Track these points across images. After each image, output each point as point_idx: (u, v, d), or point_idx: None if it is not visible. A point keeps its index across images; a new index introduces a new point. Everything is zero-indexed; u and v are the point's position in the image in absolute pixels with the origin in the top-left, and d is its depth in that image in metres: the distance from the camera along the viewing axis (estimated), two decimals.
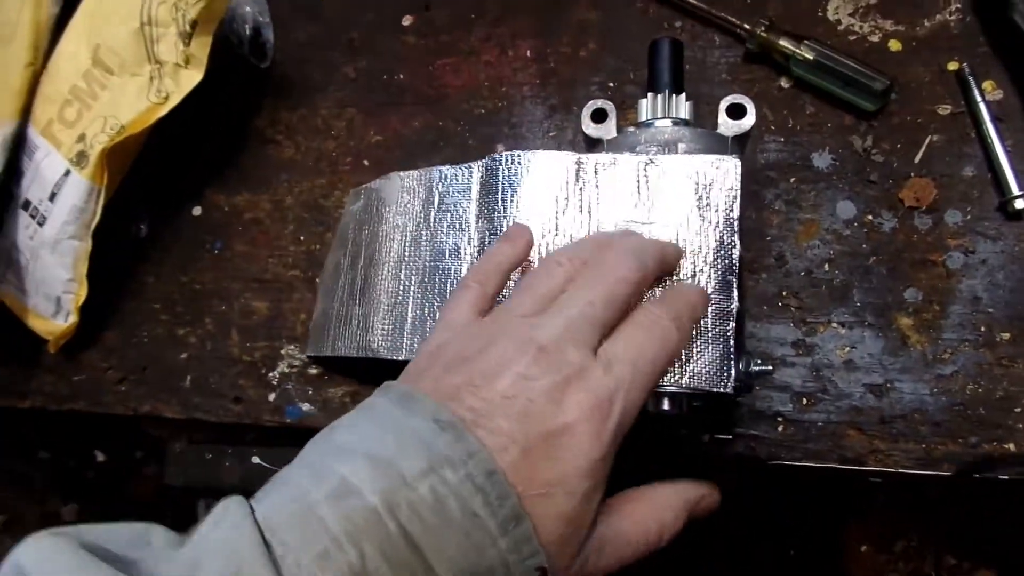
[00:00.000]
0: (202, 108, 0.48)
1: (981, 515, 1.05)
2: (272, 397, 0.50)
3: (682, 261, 0.36)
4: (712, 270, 0.37)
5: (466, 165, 0.43)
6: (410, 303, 0.44)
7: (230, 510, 0.25)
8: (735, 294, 0.36)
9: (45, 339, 0.52)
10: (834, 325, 0.43)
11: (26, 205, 0.49)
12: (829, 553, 1.12)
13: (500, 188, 0.41)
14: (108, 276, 0.53)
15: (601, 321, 0.30)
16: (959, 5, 0.45)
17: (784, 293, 0.44)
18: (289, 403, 0.50)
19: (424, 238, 0.44)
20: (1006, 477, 0.39)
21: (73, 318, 0.51)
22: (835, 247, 0.44)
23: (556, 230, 0.39)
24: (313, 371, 0.50)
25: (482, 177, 0.42)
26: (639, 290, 0.32)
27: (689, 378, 0.36)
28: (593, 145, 0.42)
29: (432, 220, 0.44)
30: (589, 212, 0.39)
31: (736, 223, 0.37)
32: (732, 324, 0.36)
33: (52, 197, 0.48)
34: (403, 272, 0.44)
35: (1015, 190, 0.41)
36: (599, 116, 0.42)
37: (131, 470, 1.35)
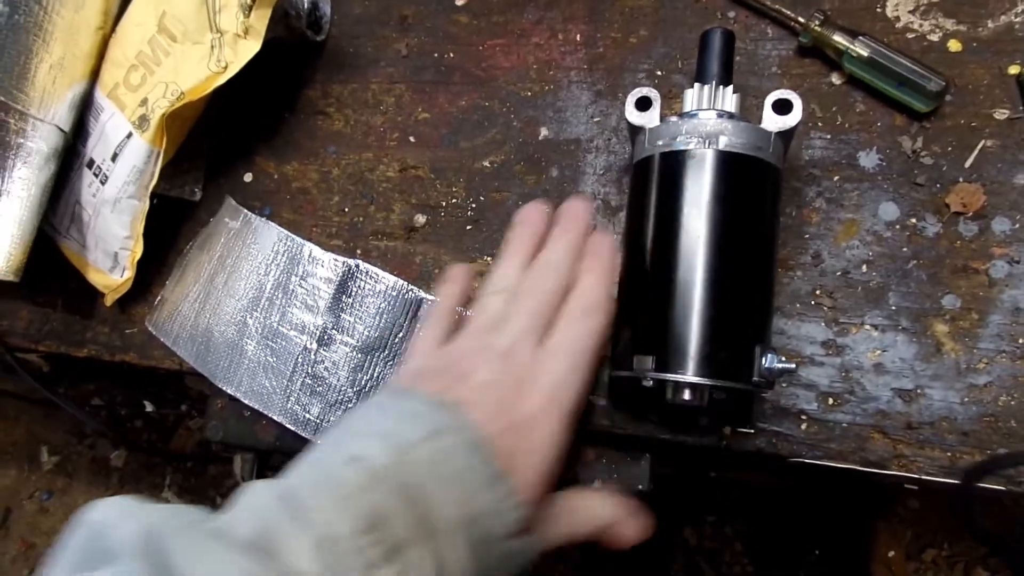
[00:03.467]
0: (257, 77, 0.50)
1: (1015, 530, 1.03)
2: None
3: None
4: None
5: (334, 257, 0.49)
6: (251, 348, 0.50)
7: (254, 489, 0.30)
8: None
9: (102, 292, 0.55)
10: (867, 327, 0.43)
11: (90, 164, 0.51)
12: (855, 555, 1.11)
13: (351, 293, 0.48)
14: (163, 236, 0.55)
15: (540, 325, 0.37)
16: None
17: (818, 292, 0.44)
18: None
19: (279, 301, 0.50)
20: (1003, 488, 0.39)
21: (129, 273, 0.53)
22: (874, 248, 0.44)
23: (385, 349, 0.47)
24: None
25: (342, 276, 0.49)
26: (565, 290, 0.39)
27: None
28: (636, 133, 0.43)
29: (291, 289, 0.50)
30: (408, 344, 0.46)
31: None
32: None
33: (114, 157, 0.50)
34: (252, 318, 0.50)
35: None
36: (643, 104, 0.42)
37: (177, 422, 1.41)
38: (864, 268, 0.44)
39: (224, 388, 0.50)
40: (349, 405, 0.47)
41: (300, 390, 0.48)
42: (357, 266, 0.48)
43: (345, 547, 0.26)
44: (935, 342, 0.42)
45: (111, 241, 0.52)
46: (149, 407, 1.40)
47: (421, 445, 0.30)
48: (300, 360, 0.48)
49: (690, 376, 0.37)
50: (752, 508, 1.17)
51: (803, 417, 0.43)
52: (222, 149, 0.57)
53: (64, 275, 0.56)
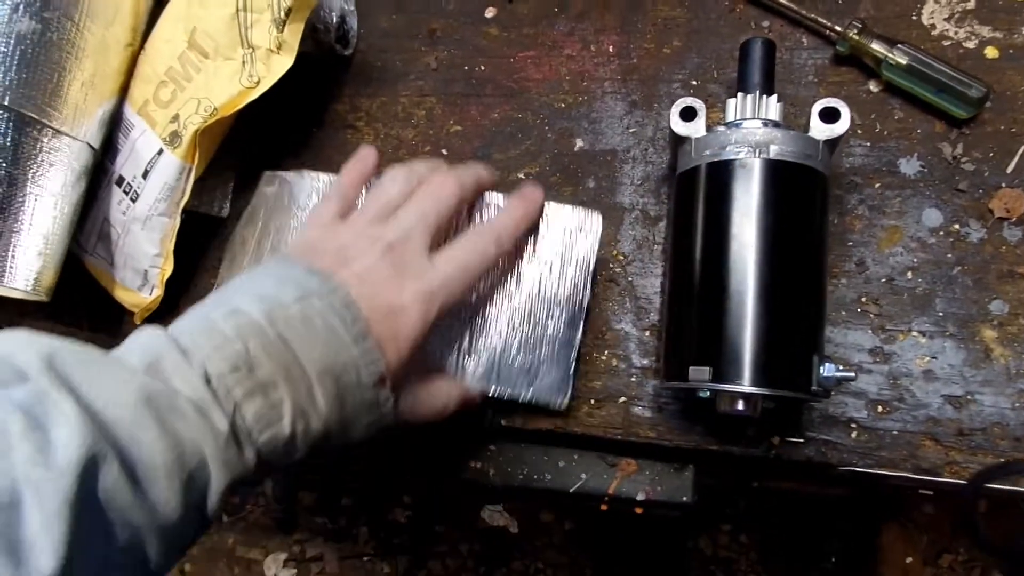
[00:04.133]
0: (285, 92, 0.49)
1: None
2: None
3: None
4: (565, 307, 0.45)
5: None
6: None
7: (144, 330, 0.33)
8: (580, 330, 0.45)
9: (130, 311, 0.54)
10: (914, 334, 0.43)
11: (120, 181, 0.51)
12: (872, 561, 1.11)
13: None
14: (189, 253, 0.55)
15: (432, 227, 0.39)
16: None
17: (864, 299, 0.44)
18: None
19: None
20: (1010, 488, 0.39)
21: (158, 292, 0.52)
22: (919, 255, 0.44)
23: None
24: None
25: None
26: (461, 205, 0.41)
27: (534, 392, 0.45)
28: (679, 143, 0.43)
29: None
30: None
31: (591, 271, 0.45)
32: (574, 353, 0.45)
33: (145, 174, 0.49)
34: None
35: None
36: (688, 114, 0.42)
37: None
38: (909, 275, 0.44)
39: None
40: None
41: None
42: None
43: (216, 383, 0.31)
44: (984, 348, 0.42)
45: (141, 259, 0.52)
46: None
47: (293, 305, 0.34)
48: None
49: (747, 387, 0.37)
50: (767, 517, 1.16)
51: (853, 425, 0.43)
52: (251, 164, 0.56)
53: (90, 294, 0.55)
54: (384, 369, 0.35)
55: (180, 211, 0.50)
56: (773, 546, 1.16)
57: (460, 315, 0.45)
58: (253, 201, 0.54)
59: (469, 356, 0.45)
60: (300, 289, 0.34)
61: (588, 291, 0.45)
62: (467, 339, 0.45)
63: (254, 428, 0.31)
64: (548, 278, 0.45)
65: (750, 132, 0.39)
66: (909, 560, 1.07)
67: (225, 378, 0.31)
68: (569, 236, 0.45)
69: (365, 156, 0.46)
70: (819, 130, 0.40)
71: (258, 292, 0.35)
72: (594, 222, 0.45)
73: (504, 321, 0.45)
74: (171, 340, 0.32)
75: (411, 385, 0.39)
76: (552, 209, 0.45)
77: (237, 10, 0.47)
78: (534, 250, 0.45)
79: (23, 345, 0.29)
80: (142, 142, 0.49)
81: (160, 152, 0.49)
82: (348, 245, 0.38)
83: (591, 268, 0.45)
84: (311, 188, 0.49)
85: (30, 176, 0.45)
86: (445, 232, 0.41)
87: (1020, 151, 0.43)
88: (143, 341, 0.32)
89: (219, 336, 0.32)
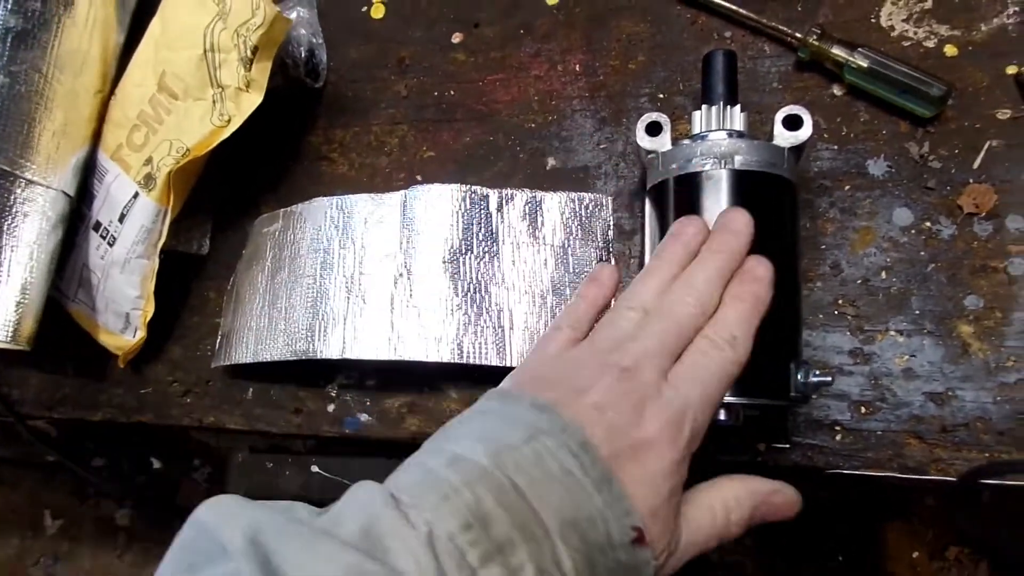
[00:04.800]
0: (258, 127, 0.50)
1: None
2: (331, 408, 0.51)
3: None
4: None
5: (388, 194, 0.50)
6: (339, 306, 0.48)
7: (363, 486, 0.29)
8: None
9: (115, 354, 0.54)
10: (892, 333, 0.43)
11: (97, 226, 0.51)
12: (878, 558, 1.10)
13: (416, 213, 0.48)
14: (171, 292, 0.55)
15: (671, 350, 0.33)
16: (1017, 8, 0.45)
17: (840, 301, 0.44)
18: (347, 414, 0.51)
19: (352, 250, 0.50)
20: (1013, 483, 0.39)
21: (141, 333, 0.53)
22: (892, 255, 0.44)
23: (468, 251, 0.47)
24: (370, 383, 0.51)
25: (402, 203, 0.49)
26: (702, 320, 0.34)
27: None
28: (647, 157, 0.43)
29: (359, 236, 0.50)
30: (492, 239, 0.48)
31: (611, 246, 0.48)
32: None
33: (122, 218, 0.50)
34: (328, 279, 0.49)
35: None
36: (653, 129, 0.42)
37: (181, 475, 1.38)
38: (883, 275, 0.44)
39: (330, 357, 0.47)
40: (460, 311, 0.46)
41: (404, 318, 0.46)
42: (412, 188, 0.49)
43: (445, 547, 0.25)
44: (961, 343, 0.42)
45: (122, 302, 0.52)
46: (157, 464, 1.37)
47: (523, 445, 0.29)
48: (396, 289, 0.47)
49: (727, 396, 0.37)
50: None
51: (837, 428, 0.43)
52: (227, 200, 0.56)
53: (74, 340, 0.55)
54: (639, 521, 0.29)
55: (158, 252, 0.51)
56: (778, 547, 1.16)
57: (496, 297, 0.47)
58: (250, 245, 0.54)
59: (511, 335, 0.46)
60: (528, 427, 0.30)
61: (612, 263, 0.48)
62: (507, 319, 0.47)
63: None
64: (573, 258, 0.48)
65: (715, 143, 0.40)
66: (916, 555, 1.06)
67: (456, 538, 0.26)
68: (586, 215, 0.48)
69: (604, 279, 0.40)
70: (783, 138, 0.40)
71: (479, 434, 0.30)
72: (603, 201, 0.49)
73: (539, 301, 0.47)
74: (389, 496, 0.27)
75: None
76: (562, 197, 0.49)
77: (205, 51, 0.48)
78: (556, 233, 0.48)
79: (228, 518, 0.26)
80: (116, 186, 0.50)
81: (135, 195, 0.49)
82: (576, 374, 0.33)
83: (611, 241, 0.48)
84: (327, 208, 0.51)
85: (4, 228, 0.46)
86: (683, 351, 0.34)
87: (985, 146, 0.44)
88: (361, 499, 0.28)
89: (445, 485, 0.27)
